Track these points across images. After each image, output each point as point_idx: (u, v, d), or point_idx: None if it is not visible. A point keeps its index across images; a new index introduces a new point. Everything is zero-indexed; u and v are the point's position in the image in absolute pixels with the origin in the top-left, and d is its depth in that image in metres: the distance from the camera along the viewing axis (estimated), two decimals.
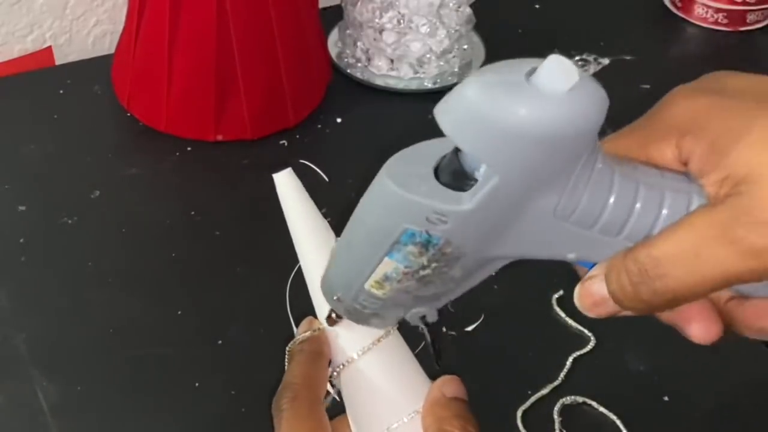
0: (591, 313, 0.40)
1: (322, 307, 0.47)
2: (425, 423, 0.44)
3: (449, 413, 0.44)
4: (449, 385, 0.45)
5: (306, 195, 0.48)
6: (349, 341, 0.46)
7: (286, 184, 0.48)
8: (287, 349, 0.47)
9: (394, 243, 0.38)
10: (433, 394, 0.45)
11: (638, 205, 0.37)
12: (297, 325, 0.49)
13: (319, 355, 0.46)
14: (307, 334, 0.47)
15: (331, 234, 0.48)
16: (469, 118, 0.34)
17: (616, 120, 0.39)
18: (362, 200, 0.39)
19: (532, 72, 0.34)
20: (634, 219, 0.37)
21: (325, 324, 0.47)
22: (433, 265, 0.39)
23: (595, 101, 0.35)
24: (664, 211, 0.37)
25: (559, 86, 0.33)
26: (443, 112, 0.35)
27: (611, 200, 0.37)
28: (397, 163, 0.38)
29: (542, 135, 0.34)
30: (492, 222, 0.37)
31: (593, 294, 0.39)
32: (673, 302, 0.37)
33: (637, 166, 0.38)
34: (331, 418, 0.46)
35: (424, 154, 0.38)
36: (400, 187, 0.37)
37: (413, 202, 0.37)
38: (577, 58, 0.33)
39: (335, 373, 0.46)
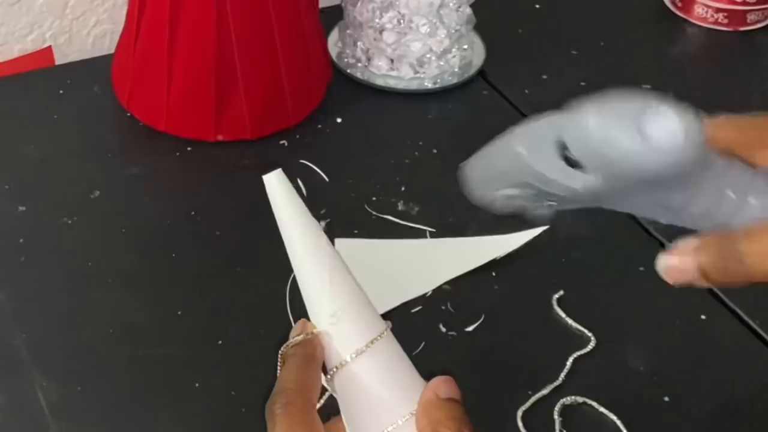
0: (672, 280, 0.43)
1: (315, 310, 0.47)
2: (420, 425, 0.44)
3: (443, 414, 0.43)
4: (443, 386, 0.44)
5: (296, 195, 0.47)
6: (343, 344, 0.46)
7: (276, 184, 0.47)
8: (280, 352, 0.46)
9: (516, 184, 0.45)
10: (427, 395, 0.44)
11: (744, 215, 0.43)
12: None
13: (312, 359, 0.45)
14: (300, 337, 0.46)
15: (322, 234, 0.47)
16: (584, 139, 0.41)
17: None
18: (494, 144, 0.46)
19: (643, 112, 0.40)
20: (728, 218, 0.43)
21: (318, 327, 0.46)
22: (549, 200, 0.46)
23: (693, 151, 0.40)
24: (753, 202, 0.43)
25: (664, 141, 0.39)
26: (567, 129, 0.42)
27: (711, 206, 0.43)
28: (527, 132, 0.45)
29: (646, 172, 0.40)
30: (598, 197, 0.44)
31: (681, 264, 0.43)
32: (759, 281, 0.41)
33: (754, 175, 0.43)
34: (324, 421, 0.45)
35: (553, 127, 0.44)
36: (529, 153, 0.43)
37: (537, 172, 0.43)
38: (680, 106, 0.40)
39: (329, 376, 0.46)
